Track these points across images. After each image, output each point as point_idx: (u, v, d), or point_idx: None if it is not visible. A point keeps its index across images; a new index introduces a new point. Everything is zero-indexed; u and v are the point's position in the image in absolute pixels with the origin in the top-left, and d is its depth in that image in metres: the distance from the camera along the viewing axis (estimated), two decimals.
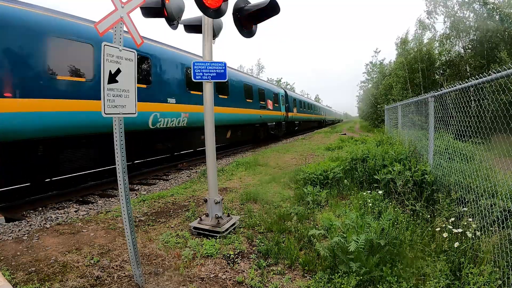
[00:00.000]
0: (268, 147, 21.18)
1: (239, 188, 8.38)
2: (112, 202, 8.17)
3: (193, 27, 5.66)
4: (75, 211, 7.21)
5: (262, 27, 5.63)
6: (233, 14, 5.00)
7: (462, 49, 23.82)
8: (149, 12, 5.19)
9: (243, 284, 3.76)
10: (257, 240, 4.89)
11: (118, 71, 3.32)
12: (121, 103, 3.36)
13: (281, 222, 5.49)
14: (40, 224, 6.28)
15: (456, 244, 3.74)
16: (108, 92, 3.21)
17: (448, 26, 24.78)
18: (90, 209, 7.45)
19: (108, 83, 3.21)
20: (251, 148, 21.13)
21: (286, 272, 4.00)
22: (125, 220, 3.53)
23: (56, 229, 5.86)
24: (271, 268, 4.10)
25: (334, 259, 3.84)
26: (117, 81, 3.31)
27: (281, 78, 75.28)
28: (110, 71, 3.23)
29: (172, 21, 5.30)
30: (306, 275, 3.91)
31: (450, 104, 5.96)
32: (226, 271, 4.08)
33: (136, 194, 8.81)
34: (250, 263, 4.25)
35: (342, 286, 3.38)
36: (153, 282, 3.84)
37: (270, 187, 8.08)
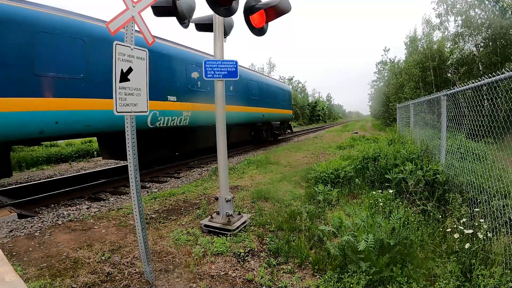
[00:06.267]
0: (280, 146, 21.12)
1: (250, 186, 8.40)
2: (124, 199, 8.24)
3: (204, 26, 5.66)
4: (87, 208, 7.28)
5: (273, 26, 5.64)
6: (244, 12, 5.00)
7: (474, 47, 23.48)
8: (160, 11, 5.21)
9: (253, 282, 3.77)
10: (267, 239, 4.90)
11: (130, 70, 3.36)
12: (132, 101, 3.40)
13: (291, 220, 5.49)
14: (52, 221, 6.35)
15: (467, 245, 3.70)
16: (120, 90, 3.25)
17: (459, 25, 24.49)
18: (102, 206, 7.52)
19: (119, 82, 3.24)
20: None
21: (296, 271, 4.00)
22: (136, 217, 3.56)
23: (68, 225, 5.93)
24: (281, 266, 4.11)
25: (345, 259, 3.82)
26: (128, 80, 3.34)
27: (293, 76, 74.87)
28: (121, 69, 3.26)
29: (183, 20, 5.32)
30: (316, 274, 3.91)
31: (463, 103, 5.89)
32: (236, 269, 4.09)
33: (148, 192, 8.88)
34: (260, 262, 4.26)
35: (351, 285, 3.37)
36: (163, 279, 3.86)
37: (281, 186, 8.09)
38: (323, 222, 5.47)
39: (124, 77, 3.30)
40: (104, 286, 3.75)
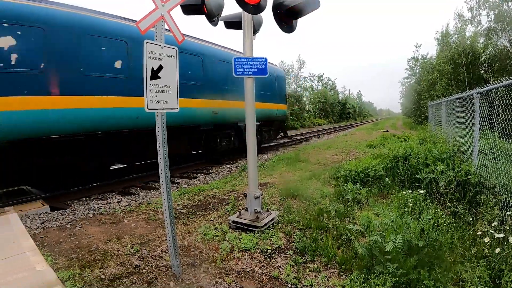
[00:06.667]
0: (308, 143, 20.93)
1: (279, 183, 8.40)
2: (154, 194, 8.40)
3: (233, 24, 5.69)
4: (117, 202, 7.46)
5: (302, 22, 5.58)
6: (273, 9, 4.99)
7: (508, 43, 22.62)
8: (189, 9, 5.27)
9: (279, 279, 3.78)
10: (295, 236, 4.89)
11: (160, 68, 3.43)
12: (163, 98, 3.49)
13: (319, 219, 5.46)
14: (83, 213, 6.55)
15: (497, 250, 3.58)
16: (151, 88, 3.33)
17: (492, 19, 23.66)
18: (132, 200, 7.68)
19: (150, 79, 3.32)
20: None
21: (322, 269, 3.99)
22: (166, 212, 3.65)
23: (98, 218, 6.11)
24: (308, 265, 4.10)
25: (372, 259, 3.78)
26: (159, 77, 3.42)
27: (323, 73, 73.78)
28: (152, 67, 3.34)
29: (212, 18, 5.36)
30: (342, 274, 3.88)
31: (496, 101, 5.71)
32: (262, 265, 4.11)
33: (177, 187, 9.01)
34: (286, 259, 4.26)
35: (377, 287, 3.33)
36: (190, 273, 3.92)
37: (310, 184, 8.06)
38: (351, 221, 5.42)
39: (155, 74, 3.37)
40: (132, 278, 3.85)
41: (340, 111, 71.70)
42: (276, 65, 19.58)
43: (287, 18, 5.15)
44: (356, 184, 7.02)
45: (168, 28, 3.63)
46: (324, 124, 50.34)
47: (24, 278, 3.82)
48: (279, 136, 20.67)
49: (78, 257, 4.44)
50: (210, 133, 12.46)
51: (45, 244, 4.97)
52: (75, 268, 4.10)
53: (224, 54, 13.16)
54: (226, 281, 3.72)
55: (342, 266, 3.97)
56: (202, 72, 11.57)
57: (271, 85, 16.63)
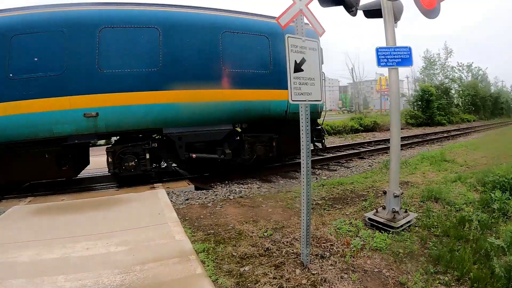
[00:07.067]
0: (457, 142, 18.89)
1: (421, 183, 7.83)
2: (293, 183, 8.68)
3: (373, 12, 5.44)
4: (257, 188, 7.93)
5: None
6: None
7: None
8: (327, 0, 5.21)
9: (405, 286, 3.56)
10: (430, 243, 4.52)
11: (303, 61, 3.54)
12: (307, 90, 3.60)
13: (459, 227, 4.93)
14: (224, 195, 7.17)
15: None
16: (294, 80, 3.46)
17: None
18: (272, 187, 8.07)
19: (294, 72, 3.45)
20: None
21: (453, 284, 3.60)
22: (303, 201, 3.76)
23: (238, 201, 6.60)
24: (438, 276, 3.75)
25: (508, 282, 3.31)
26: (302, 70, 3.54)
27: (472, 62, 64.44)
28: (295, 60, 3.46)
29: (351, 8, 5.24)
30: None
31: None
32: (391, 268, 3.93)
33: (317, 178, 9.16)
34: (417, 266, 3.97)
35: None
36: (317, 264, 3.96)
37: (454, 187, 7.27)
38: (494, 234, 4.73)
39: (298, 67, 3.49)
40: (261, 259, 4.07)
41: (492, 106, 62.19)
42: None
43: (428, 2, 4.75)
44: (505, 193, 6.08)
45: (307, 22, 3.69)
46: (473, 121, 44.77)
47: (164, 244, 4.41)
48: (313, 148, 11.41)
49: (215, 233, 4.90)
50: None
51: (187, 218, 5.62)
52: (210, 242, 4.55)
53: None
54: (352, 278, 3.66)
55: (475, 285, 3.51)
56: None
57: (255, 52, 9.29)
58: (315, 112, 10.12)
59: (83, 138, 7.66)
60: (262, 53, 9.05)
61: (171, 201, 6.60)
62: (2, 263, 4.26)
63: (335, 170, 10.52)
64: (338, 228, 5.03)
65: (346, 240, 4.57)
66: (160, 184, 8.13)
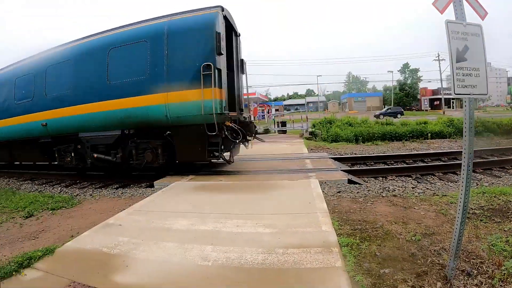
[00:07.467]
0: None
1: None
2: (450, 186, 8.17)
3: None
4: (412, 188, 7.70)
5: None
6: None
7: None
8: None
9: None
10: None
11: (466, 48, 3.32)
12: (471, 82, 3.34)
13: None
14: (377, 192, 7.20)
15: None
16: (457, 71, 3.25)
17: None
18: (427, 188, 7.74)
19: (456, 62, 3.26)
20: None
21: None
22: (459, 209, 3.50)
23: (390, 199, 6.58)
24: None
25: None
26: (465, 59, 3.31)
27: None
28: (457, 48, 3.27)
29: None
30: None
31: None
32: None
33: (477, 184, 8.40)
34: None
35: None
36: (461, 281, 3.74)
37: None
38: None
39: (461, 56, 3.29)
40: (403, 264, 4.05)
41: None
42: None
43: None
44: None
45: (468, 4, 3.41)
46: None
47: (310, 233, 4.79)
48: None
49: (361, 230, 5.04)
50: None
51: (336, 210, 5.88)
52: (355, 238, 4.70)
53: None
54: None
55: None
56: None
57: (135, 60, 9.88)
58: (209, 115, 8.74)
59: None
60: (141, 60, 9.69)
61: (323, 191, 6.96)
62: (161, 227, 5.31)
63: (499, 177, 9.29)
64: (492, 245, 4.59)
65: (499, 260, 4.15)
66: (314, 173, 8.65)
